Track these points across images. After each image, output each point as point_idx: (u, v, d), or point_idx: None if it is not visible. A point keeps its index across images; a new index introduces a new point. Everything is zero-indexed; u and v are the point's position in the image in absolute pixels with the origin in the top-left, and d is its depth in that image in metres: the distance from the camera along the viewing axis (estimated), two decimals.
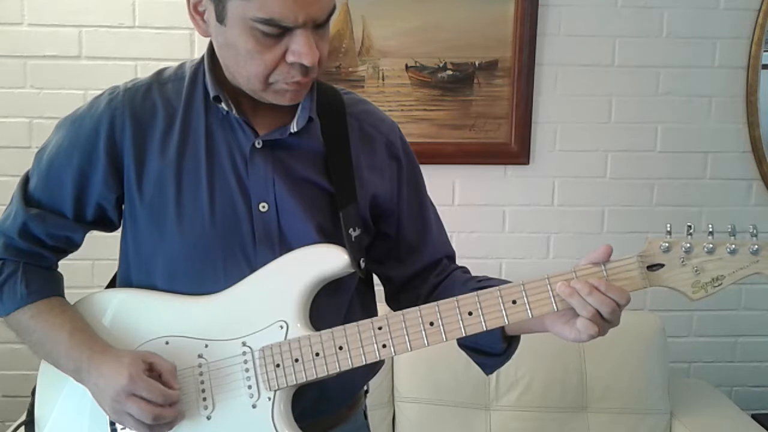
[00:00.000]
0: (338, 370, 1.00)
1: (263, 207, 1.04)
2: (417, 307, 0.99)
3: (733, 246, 0.92)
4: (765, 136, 2.25)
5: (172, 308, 1.05)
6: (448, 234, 1.23)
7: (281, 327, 1.01)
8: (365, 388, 1.26)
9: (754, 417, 2.09)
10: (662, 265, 0.95)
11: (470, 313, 0.97)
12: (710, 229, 0.93)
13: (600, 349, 2.03)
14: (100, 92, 1.09)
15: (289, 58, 0.94)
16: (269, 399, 1.01)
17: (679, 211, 2.27)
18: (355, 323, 1.00)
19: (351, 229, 1.06)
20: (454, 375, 2.00)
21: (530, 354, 1.82)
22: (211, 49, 1.05)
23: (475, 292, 0.98)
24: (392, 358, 1.98)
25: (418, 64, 2.15)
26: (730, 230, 0.93)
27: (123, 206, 1.09)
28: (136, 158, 1.04)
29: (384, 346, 0.99)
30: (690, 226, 0.94)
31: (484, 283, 1.10)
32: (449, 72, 2.16)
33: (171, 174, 1.04)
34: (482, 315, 0.97)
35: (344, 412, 1.18)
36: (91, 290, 1.12)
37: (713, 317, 2.36)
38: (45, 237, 1.09)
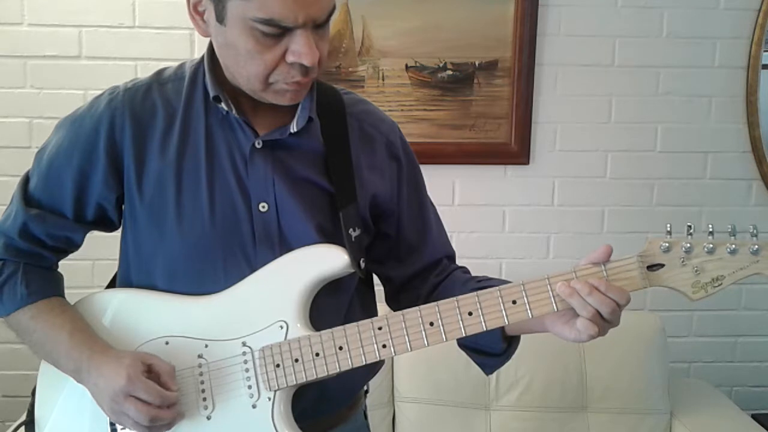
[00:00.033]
0: (338, 370, 1.00)
1: (263, 207, 1.04)
2: (417, 307, 0.99)
3: (733, 246, 0.92)
4: (765, 136, 2.25)
5: (172, 308, 1.05)
6: (448, 234, 1.23)
7: (281, 327, 1.01)
8: (365, 388, 1.26)
9: (754, 417, 2.09)
10: (662, 265, 0.95)
11: (470, 313, 0.97)
12: (710, 229, 0.93)
13: (600, 349, 2.03)
14: (100, 92, 1.09)
15: (289, 58, 0.94)
16: (269, 399, 1.01)
17: (679, 211, 2.27)
18: (355, 323, 1.00)
19: (351, 229, 1.06)
20: (454, 375, 2.00)
21: (530, 354, 1.82)
22: (211, 49, 1.05)
23: (475, 292, 0.98)
24: (392, 358, 1.98)
25: (418, 64, 2.15)
26: (730, 230, 0.93)
27: (123, 206, 1.09)
28: (136, 158, 1.04)
29: (384, 346, 0.99)
30: (690, 226, 0.94)
31: (484, 283, 1.10)
32: (449, 72, 2.16)
33: (171, 174, 1.04)
34: (482, 315, 0.97)
35: (344, 412, 1.18)
36: (91, 290, 1.12)
37: (713, 317, 2.36)
38: (45, 237, 1.09)
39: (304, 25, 0.92)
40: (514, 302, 0.97)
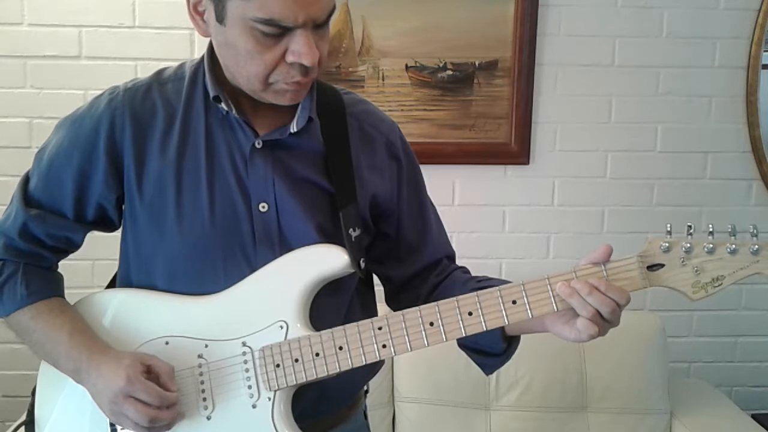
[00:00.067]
0: (338, 370, 1.00)
1: (263, 207, 1.04)
2: (417, 308, 0.99)
3: (734, 246, 0.92)
4: (765, 136, 2.25)
5: (172, 308, 1.05)
6: (448, 234, 1.23)
7: (281, 327, 1.01)
8: (365, 388, 1.26)
9: (754, 417, 2.09)
10: (662, 265, 0.95)
11: (470, 313, 0.97)
12: (710, 229, 0.93)
13: (600, 349, 2.03)
14: (100, 92, 1.09)
15: (289, 58, 0.94)
16: (269, 399, 1.01)
17: (679, 211, 2.27)
18: (355, 323, 1.00)
19: (351, 229, 1.06)
20: (454, 375, 2.00)
21: (530, 354, 1.82)
22: (210, 49, 1.05)
23: (475, 292, 0.98)
24: (392, 358, 1.98)
25: (418, 64, 2.15)
26: (730, 230, 0.93)
27: (123, 206, 1.09)
28: (136, 158, 1.04)
29: (384, 346, 0.99)
30: (690, 226, 0.94)
31: (484, 283, 1.10)
32: (449, 72, 2.16)
33: (171, 174, 1.04)
34: (482, 315, 0.97)
35: (344, 412, 1.18)
36: (91, 290, 1.12)
37: (713, 317, 2.36)
38: (45, 237, 1.09)
39: (304, 25, 0.92)
40: (514, 302, 0.97)
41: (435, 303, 0.98)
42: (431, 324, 0.98)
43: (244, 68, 0.96)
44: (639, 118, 2.24)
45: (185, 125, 1.05)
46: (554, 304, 0.96)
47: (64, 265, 1.15)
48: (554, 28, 2.17)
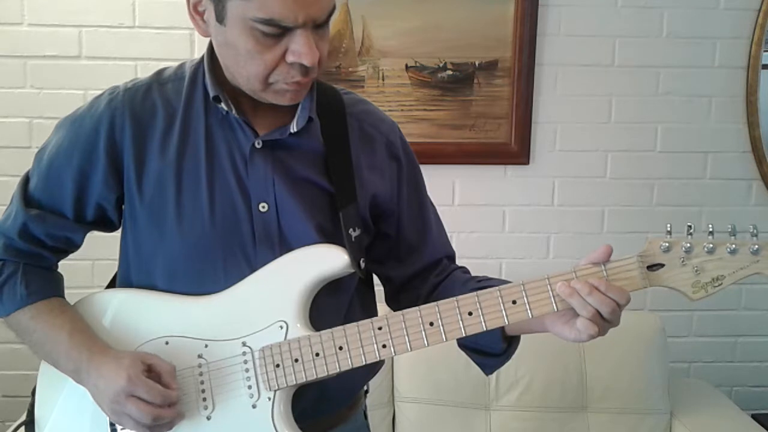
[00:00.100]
0: (338, 370, 1.00)
1: (263, 207, 1.04)
2: (417, 308, 0.99)
3: (734, 246, 0.92)
4: (765, 136, 2.25)
5: (172, 308, 1.05)
6: (448, 234, 1.23)
7: (281, 327, 1.01)
8: (365, 388, 1.26)
9: (754, 417, 2.09)
10: (662, 265, 0.95)
11: (470, 313, 0.97)
12: (710, 229, 0.93)
13: (600, 349, 2.03)
14: (100, 92, 1.09)
15: (289, 58, 0.94)
16: (269, 399, 1.01)
17: (679, 211, 2.27)
18: (355, 323, 1.00)
19: (351, 229, 1.06)
20: (454, 375, 2.00)
21: (530, 354, 1.82)
22: (210, 49, 1.05)
23: (474, 292, 0.98)
24: (392, 358, 1.98)
25: (418, 64, 2.15)
26: (730, 230, 0.93)
27: (123, 206, 1.09)
28: (136, 158, 1.04)
29: (384, 346, 0.99)
30: (690, 226, 0.94)
31: (484, 283, 1.10)
32: (449, 72, 2.16)
33: (171, 174, 1.04)
34: (482, 315, 0.97)
35: (344, 412, 1.18)
36: (91, 290, 1.12)
37: (713, 317, 2.36)
38: (45, 237, 1.09)
39: (304, 25, 0.92)
40: (514, 302, 0.97)
41: (435, 303, 0.98)
42: (431, 324, 0.98)
43: (244, 68, 0.96)
44: (639, 118, 2.24)
45: (185, 125, 1.05)
46: (554, 304, 0.96)
47: (64, 265, 1.15)
48: (554, 28, 2.17)
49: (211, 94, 1.03)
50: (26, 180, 1.10)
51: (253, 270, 1.04)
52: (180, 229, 1.04)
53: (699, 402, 2.13)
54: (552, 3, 2.15)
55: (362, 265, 1.08)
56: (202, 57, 1.07)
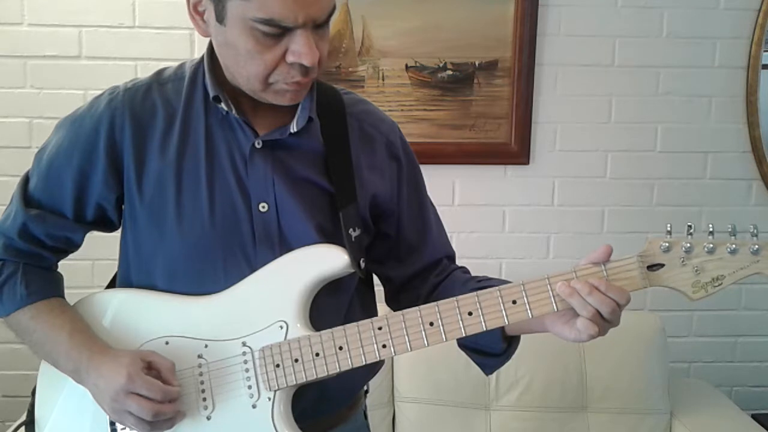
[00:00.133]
0: (338, 370, 1.00)
1: (263, 207, 1.04)
2: (417, 308, 0.99)
3: (734, 246, 0.92)
4: (765, 136, 2.25)
5: (172, 308, 1.05)
6: (448, 234, 1.23)
7: (281, 327, 1.01)
8: (365, 388, 1.26)
9: (754, 417, 2.09)
10: (662, 265, 0.95)
11: (470, 313, 0.97)
12: (710, 229, 0.93)
13: (600, 349, 2.03)
14: (100, 92, 1.09)
15: (289, 59, 0.94)
16: (269, 399, 1.01)
17: (679, 211, 2.27)
18: (355, 323, 1.00)
19: (351, 229, 1.06)
20: (454, 375, 2.00)
21: (530, 354, 1.82)
22: (210, 49, 1.05)
23: (474, 292, 0.98)
24: (392, 358, 1.98)
25: (418, 64, 2.15)
26: (730, 230, 0.93)
27: (123, 206, 1.09)
28: (136, 158, 1.04)
29: (384, 346, 0.99)
30: (690, 226, 0.94)
31: (484, 283, 1.10)
32: (449, 72, 2.16)
33: (171, 174, 1.04)
34: (482, 315, 0.97)
35: (344, 412, 1.18)
36: (91, 290, 1.12)
37: (713, 317, 2.36)
38: (45, 237, 1.09)
39: (304, 25, 0.92)
40: (514, 302, 0.97)
41: (435, 303, 0.98)
42: (431, 324, 0.98)
43: (244, 68, 0.96)
44: (639, 118, 2.24)
45: (185, 125, 1.05)
46: (554, 304, 0.96)
47: (64, 265, 1.15)
48: (554, 28, 2.17)
49: (211, 94, 1.03)
50: (26, 180, 1.10)
51: (253, 270, 1.03)
52: (180, 229, 1.04)
53: (699, 402, 2.13)
54: (552, 3, 2.15)
55: (362, 265, 1.08)
56: (202, 57, 1.07)
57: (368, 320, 1.00)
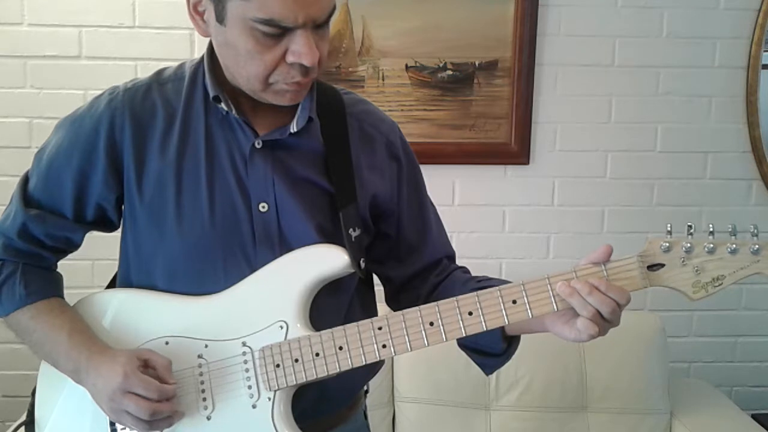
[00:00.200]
0: (338, 370, 1.00)
1: (263, 207, 1.04)
2: (417, 307, 0.99)
3: (734, 246, 0.92)
4: (765, 136, 2.25)
5: (172, 308, 1.05)
6: (448, 234, 1.23)
7: (281, 327, 1.01)
8: (365, 388, 1.26)
9: (754, 417, 2.09)
10: (662, 265, 0.95)
11: (470, 313, 0.97)
12: (711, 229, 0.93)
13: (600, 349, 2.03)
14: (100, 92, 1.09)
15: (289, 59, 0.94)
16: (269, 399, 1.01)
17: (679, 211, 2.27)
18: (355, 323, 1.00)
19: (351, 229, 1.06)
20: (454, 375, 2.00)
21: (530, 354, 1.82)
22: (210, 49, 1.05)
23: (475, 292, 0.98)
24: (392, 358, 1.98)
25: (418, 64, 2.15)
26: (730, 230, 0.93)
27: (123, 206, 1.09)
28: (136, 158, 1.04)
29: (384, 346, 0.99)
30: (690, 226, 0.94)
31: (484, 283, 1.10)
32: (449, 72, 2.16)
33: (171, 174, 1.04)
34: (482, 315, 0.97)
35: (344, 413, 1.18)
36: (91, 290, 1.12)
37: (713, 317, 2.36)
38: (44, 237, 1.09)
39: (304, 25, 0.92)
40: (514, 302, 0.97)
41: (435, 303, 0.98)
42: (431, 324, 0.98)
43: (244, 68, 0.96)
44: (639, 118, 2.24)
45: (185, 125, 1.05)
46: (554, 304, 0.96)
47: (64, 265, 1.15)
48: (554, 28, 2.17)
49: (211, 94, 1.03)
50: (26, 180, 1.10)
51: (253, 270, 1.03)
52: (180, 229, 1.04)
53: (699, 402, 2.13)
54: (552, 3, 2.15)
55: (362, 265, 1.08)
56: (202, 57, 1.07)
57: (368, 320, 1.00)
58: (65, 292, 1.14)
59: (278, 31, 0.92)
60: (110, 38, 2.09)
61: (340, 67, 2.14)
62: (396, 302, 1.20)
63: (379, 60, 2.14)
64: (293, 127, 1.04)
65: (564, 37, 2.18)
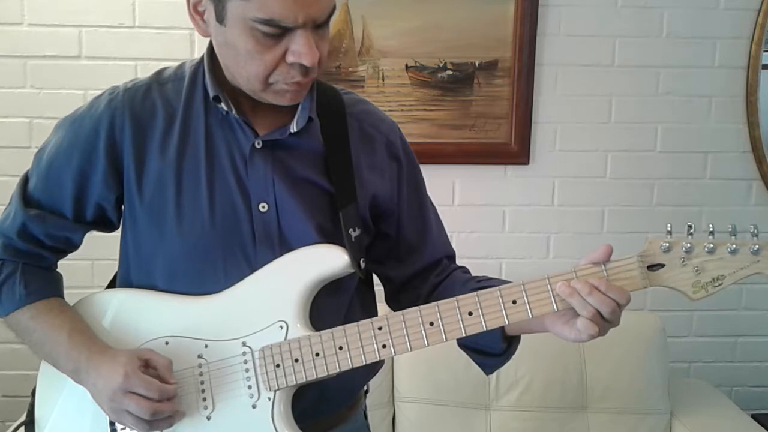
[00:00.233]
0: (338, 370, 1.00)
1: (263, 207, 1.04)
2: (417, 307, 0.99)
3: (734, 246, 0.92)
4: (765, 136, 2.25)
5: (172, 308, 1.05)
6: (448, 234, 1.23)
7: (281, 327, 1.01)
8: (365, 388, 1.26)
9: (754, 417, 2.09)
10: (662, 265, 0.95)
11: (470, 313, 0.97)
12: (711, 229, 0.93)
13: (600, 349, 2.03)
14: (100, 92, 1.09)
15: (289, 59, 0.94)
16: (269, 399, 1.01)
17: (679, 211, 2.27)
18: (355, 323, 1.00)
19: (351, 229, 1.06)
20: (454, 375, 2.00)
21: (530, 354, 1.82)
22: (210, 49, 1.05)
23: (475, 292, 0.98)
24: (392, 358, 1.98)
25: (418, 64, 2.15)
26: (730, 230, 0.93)
27: (122, 206, 1.09)
28: (136, 158, 1.04)
29: (384, 346, 0.99)
30: (690, 226, 0.94)
31: (484, 283, 1.10)
32: (449, 72, 2.16)
33: (171, 174, 1.04)
34: (482, 315, 0.97)
35: (344, 413, 1.18)
36: (91, 290, 1.12)
37: (713, 317, 2.36)
38: (44, 237, 1.09)
39: (304, 25, 0.92)
40: (514, 302, 0.97)
41: (435, 303, 0.98)
42: (431, 324, 0.98)
43: (244, 68, 0.96)
44: (639, 118, 2.24)
45: (185, 125, 1.05)
46: (554, 304, 0.96)
47: (64, 265, 1.15)
48: (554, 28, 2.17)
49: (211, 94, 1.03)
50: (25, 180, 1.10)
51: (253, 270, 1.03)
52: (180, 229, 1.04)
53: (699, 402, 2.13)
54: (552, 3, 2.15)
55: (362, 265, 1.08)
56: (202, 57, 1.07)
57: (368, 320, 1.00)
58: (65, 292, 1.14)
59: (278, 31, 0.92)
60: (110, 38, 2.09)
61: (340, 67, 2.14)
62: (396, 302, 1.20)
63: (379, 60, 2.14)
64: (293, 127, 1.04)
65: (564, 37, 2.18)
